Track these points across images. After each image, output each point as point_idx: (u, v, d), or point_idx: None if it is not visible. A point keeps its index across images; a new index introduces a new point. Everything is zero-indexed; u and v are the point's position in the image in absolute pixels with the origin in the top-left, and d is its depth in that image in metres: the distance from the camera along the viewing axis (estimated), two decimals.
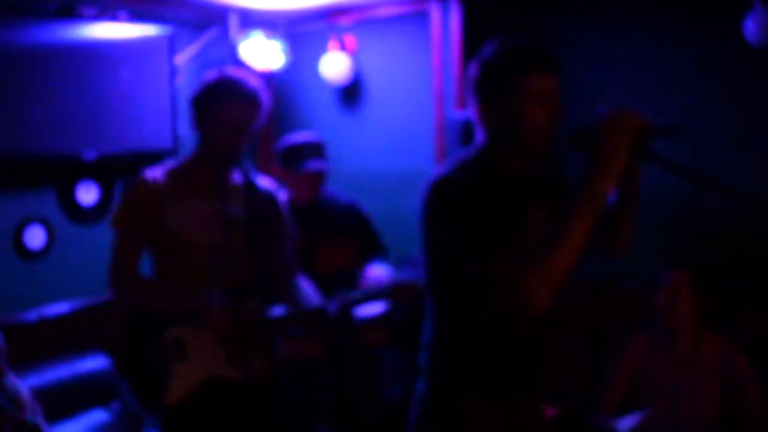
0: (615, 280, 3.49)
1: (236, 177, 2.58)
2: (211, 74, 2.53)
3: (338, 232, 3.36)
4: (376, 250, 3.41)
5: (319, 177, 3.30)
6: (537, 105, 1.80)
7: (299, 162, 3.26)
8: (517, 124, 1.82)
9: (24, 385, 2.92)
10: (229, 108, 2.44)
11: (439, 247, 1.87)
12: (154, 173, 2.49)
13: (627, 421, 2.90)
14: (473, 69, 1.90)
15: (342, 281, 3.28)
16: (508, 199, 1.86)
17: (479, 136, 1.94)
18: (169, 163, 2.58)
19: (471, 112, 1.94)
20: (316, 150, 3.30)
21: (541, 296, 1.69)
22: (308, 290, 2.89)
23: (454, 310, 1.93)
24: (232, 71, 2.53)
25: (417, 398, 2.02)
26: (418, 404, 2.01)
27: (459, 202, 1.79)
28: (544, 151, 1.85)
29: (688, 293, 2.89)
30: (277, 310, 2.72)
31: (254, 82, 2.49)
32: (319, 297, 2.89)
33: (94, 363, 3.47)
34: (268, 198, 2.63)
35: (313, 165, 3.25)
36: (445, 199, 1.82)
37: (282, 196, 2.73)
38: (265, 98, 2.51)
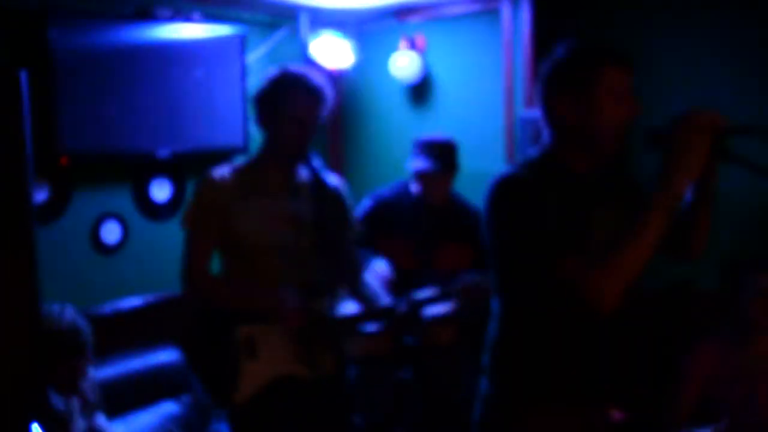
0: (691, 281, 3.39)
1: (304, 174, 2.59)
2: (273, 71, 2.54)
3: (458, 235, 3.40)
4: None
5: (432, 177, 3.34)
6: (614, 101, 1.77)
7: (422, 158, 3.33)
8: (595, 118, 1.78)
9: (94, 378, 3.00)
10: (294, 102, 2.45)
11: (505, 247, 1.85)
12: (222, 172, 2.52)
13: None
14: (547, 65, 1.87)
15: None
16: (575, 198, 1.83)
17: (546, 135, 1.91)
18: (237, 162, 2.61)
19: (540, 110, 1.90)
20: (431, 150, 3.34)
21: (610, 295, 1.66)
22: (377, 288, 2.89)
23: (520, 311, 1.90)
24: (294, 67, 2.54)
25: (480, 397, 2.00)
26: (481, 403, 2.00)
27: (524, 201, 1.77)
28: (616, 151, 1.81)
29: None
30: (348, 309, 2.73)
31: (317, 77, 2.50)
32: (387, 295, 2.89)
33: (166, 356, 3.55)
34: (336, 195, 2.64)
35: (418, 165, 3.31)
36: (510, 197, 1.81)
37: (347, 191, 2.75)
38: (329, 92, 2.51)
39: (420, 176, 3.37)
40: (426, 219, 3.37)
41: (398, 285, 3.10)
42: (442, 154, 3.35)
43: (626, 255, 1.65)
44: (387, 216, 2.77)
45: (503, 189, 1.83)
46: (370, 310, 2.73)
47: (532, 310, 1.87)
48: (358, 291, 2.75)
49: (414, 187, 3.43)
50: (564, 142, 1.86)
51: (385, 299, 2.82)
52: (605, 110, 1.77)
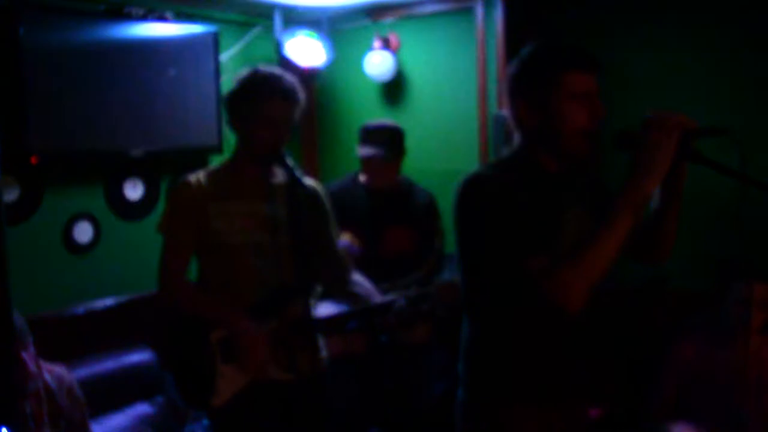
0: (663, 280, 3.43)
1: (280, 175, 2.59)
2: (244, 72, 2.53)
3: (405, 218, 3.41)
4: (434, 246, 3.47)
5: (378, 163, 3.35)
6: (576, 104, 1.78)
7: (365, 145, 3.35)
8: (556, 123, 1.80)
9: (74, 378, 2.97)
10: (267, 103, 2.43)
11: (473, 246, 1.86)
12: (197, 175, 2.51)
13: (679, 429, 2.83)
14: (512, 68, 1.89)
15: (403, 265, 3.32)
16: (544, 198, 1.84)
17: (517, 135, 1.92)
18: (212, 166, 2.60)
19: (509, 113, 1.92)
20: (377, 136, 3.35)
21: (575, 294, 1.67)
22: (369, 288, 2.89)
23: (489, 313, 1.90)
24: (265, 68, 2.53)
25: (457, 405, 2.00)
26: (458, 412, 2.00)
27: (493, 200, 1.78)
28: (584, 152, 1.82)
29: (765, 305, 2.82)
30: (342, 308, 2.72)
31: (289, 77, 2.48)
32: (377, 293, 2.89)
33: (139, 357, 3.53)
34: (312, 196, 2.64)
35: (364, 150, 3.32)
36: (477, 196, 1.81)
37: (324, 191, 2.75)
38: (301, 94, 2.50)
39: (366, 162, 3.38)
40: (372, 205, 3.38)
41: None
42: (388, 140, 3.36)
43: (592, 254, 1.66)
44: (336, 208, 2.79)
45: (470, 188, 1.83)
46: (369, 306, 2.73)
47: (501, 310, 1.87)
48: (348, 290, 2.74)
49: (362, 176, 3.45)
50: (532, 142, 1.88)
51: (376, 297, 2.81)
52: (565, 114, 1.79)
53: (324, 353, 2.66)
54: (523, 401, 1.89)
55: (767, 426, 2.80)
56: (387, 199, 3.41)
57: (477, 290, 1.91)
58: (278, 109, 2.45)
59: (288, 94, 2.46)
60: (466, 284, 1.94)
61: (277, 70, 2.51)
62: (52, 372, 2.92)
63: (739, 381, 2.83)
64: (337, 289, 2.76)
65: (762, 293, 2.81)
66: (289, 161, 2.49)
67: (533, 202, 1.79)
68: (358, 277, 2.85)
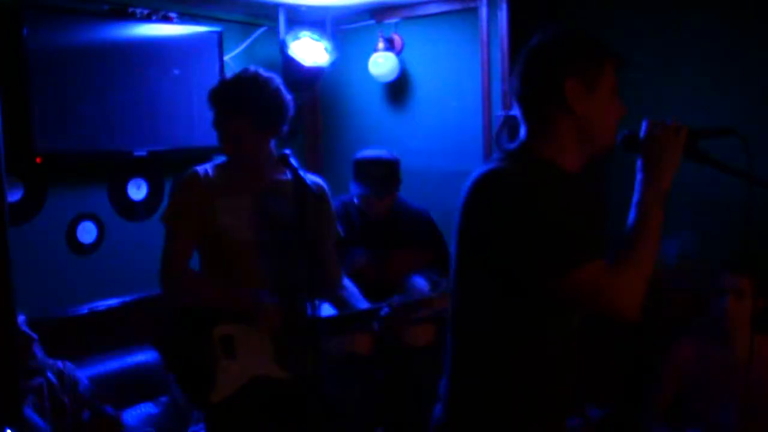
0: (666, 279, 3.42)
1: (286, 173, 2.57)
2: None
3: (409, 241, 3.44)
4: (445, 260, 3.48)
5: (372, 198, 3.36)
6: (614, 97, 1.70)
7: (358, 182, 3.35)
8: (598, 112, 1.68)
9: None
10: (216, 116, 2.48)
11: (509, 250, 1.61)
12: (205, 168, 2.51)
13: None
14: (553, 37, 1.70)
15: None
16: (573, 201, 1.66)
17: (524, 131, 1.73)
18: (219, 160, 2.59)
19: (524, 101, 1.72)
20: (371, 172, 3.35)
21: (638, 296, 1.58)
22: (355, 292, 2.89)
23: (496, 326, 1.70)
24: (228, 79, 2.53)
25: (434, 429, 1.81)
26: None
27: (533, 201, 1.58)
28: (611, 151, 1.73)
29: (750, 298, 2.82)
30: (330, 312, 2.72)
31: (242, 89, 2.46)
32: (365, 300, 2.89)
33: (143, 357, 3.53)
34: (318, 195, 2.63)
35: (357, 189, 3.35)
36: (517, 198, 1.59)
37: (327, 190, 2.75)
38: (257, 103, 2.45)
39: (361, 198, 3.40)
40: (373, 231, 3.40)
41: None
42: (383, 177, 3.36)
43: (645, 254, 1.60)
44: None
45: (500, 187, 1.63)
46: (353, 312, 2.73)
47: (508, 323, 1.67)
48: (337, 294, 2.74)
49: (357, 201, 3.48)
50: (554, 136, 1.70)
51: (363, 303, 2.81)
52: (610, 104, 1.69)
53: (327, 352, 2.65)
54: (520, 421, 1.71)
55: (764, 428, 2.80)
56: (385, 223, 3.42)
57: (496, 301, 1.69)
58: (219, 119, 2.48)
59: (230, 107, 2.46)
60: (475, 294, 1.73)
61: (234, 80, 2.50)
62: (54, 368, 2.93)
63: (737, 381, 2.83)
64: (328, 291, 2.76)
65: (740, 283, 2.82)
66: (293, 161, 2.48)
67: (573, 205, 1.64)
68: (347, 282, 2.86)
